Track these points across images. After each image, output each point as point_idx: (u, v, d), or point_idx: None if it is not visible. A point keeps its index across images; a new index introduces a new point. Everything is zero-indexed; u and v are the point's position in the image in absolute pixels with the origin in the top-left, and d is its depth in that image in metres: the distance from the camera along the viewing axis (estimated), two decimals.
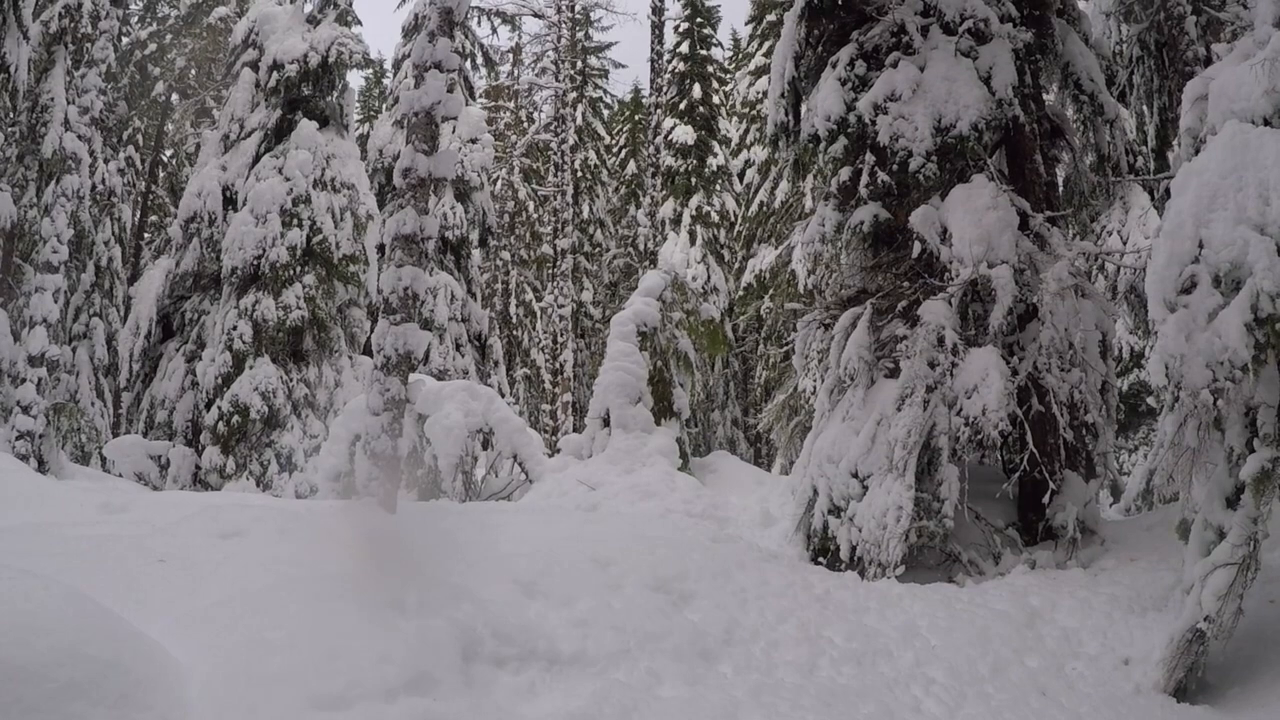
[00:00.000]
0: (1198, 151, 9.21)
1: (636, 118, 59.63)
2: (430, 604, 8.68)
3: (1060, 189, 15.69)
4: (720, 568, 11.60)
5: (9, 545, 9.10)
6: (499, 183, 50.94)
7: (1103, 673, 9.78)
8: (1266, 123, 8.58)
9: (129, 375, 30.99)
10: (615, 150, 61.55)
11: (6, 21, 24.11)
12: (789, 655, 9.69)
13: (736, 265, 46.40)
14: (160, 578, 9.12)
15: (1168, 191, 9.82)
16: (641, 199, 47.12)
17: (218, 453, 26.65)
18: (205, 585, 8.88)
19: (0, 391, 25.71)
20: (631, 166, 58.22)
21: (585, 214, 54.07)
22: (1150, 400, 25.74)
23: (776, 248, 40.44)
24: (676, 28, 49.70)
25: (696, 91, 49.01)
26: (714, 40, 51.83)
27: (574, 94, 47.83)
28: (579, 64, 53.10)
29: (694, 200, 46.95)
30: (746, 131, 49.22)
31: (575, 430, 35.56)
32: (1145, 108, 19.20)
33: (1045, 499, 13.47)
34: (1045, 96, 15.92)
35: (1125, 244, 24.61)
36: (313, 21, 30.53)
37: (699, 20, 50.25)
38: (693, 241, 45.83)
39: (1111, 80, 17.46)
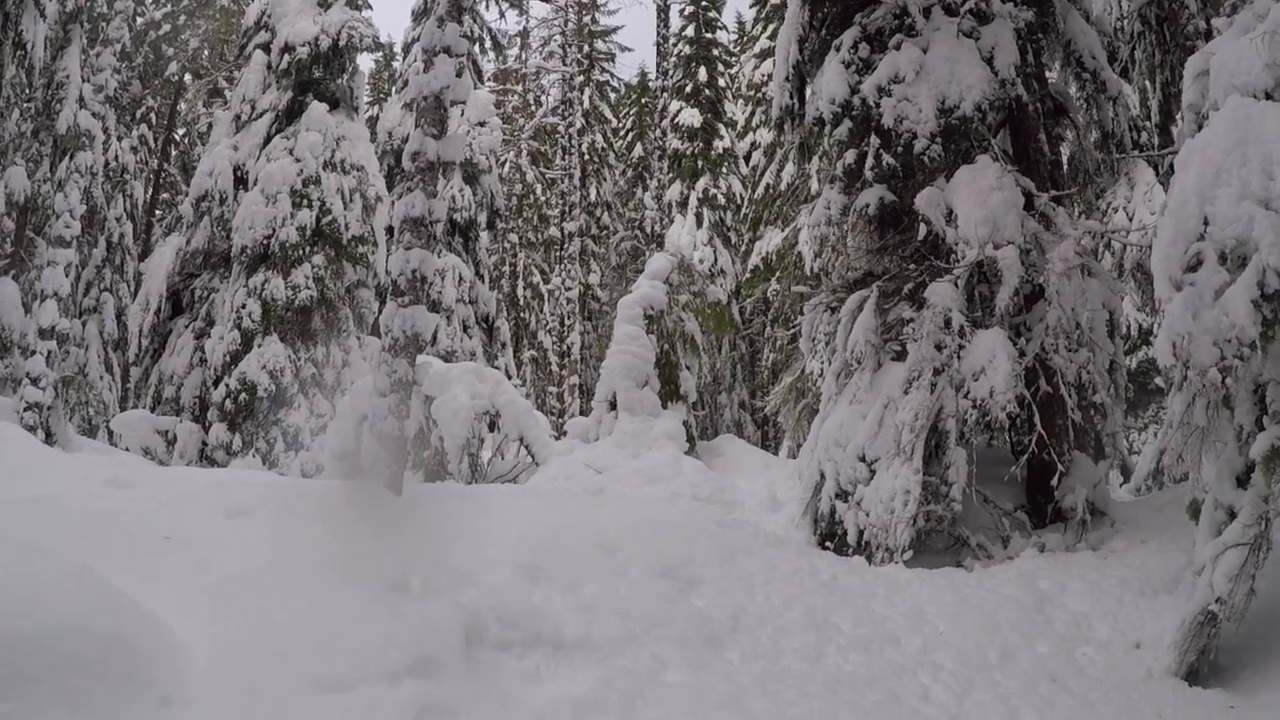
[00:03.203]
0: (1200, 128, 9.15)
1: (643, 101, 59.51)
2: (435, 587, 8.68)
3: (1065, 167, 15.65)
4: (727, 553, 11.59)
5: (15, 518, 9.08)
6: (507, 165, 50.94)
7: (1113, 657, 9.73)
8: (1269, 96, 8.52)
9: (138, 350, 30.98)
10: (622, 133, 61.44)
11: None
12: (796, 642, 9.67)
13: (743, 247, 46.26)
14: (165, 554, 9.11)
15: (1172, 167, 9.78)
16: (648, 182, 47.16)
17: (224, 429, 26.67)
18: (210, 563, 8.86)
19: (10, 363, 25.86)
20: (638, 149, 58.17)
21: (592, 197, 53.94)
22: (1159, 381, 25.67)
23: (783, 230, 40.35)
24: (682, 11, 49.63)
25: (702, 74, 48.83)
26: (719, 23, 51.58)
27: (581, 77, 47.85)
28: (586, 48, 53.10)
29: (700, 183, 46.79)
30: (752, 114, 49.07)
31: (582, 413, 35.57)
32: (1148, 83, 19.14)
33: (1054, 481, 13.44)
34: (1048, 75, 15.86)
35: (1131, 220, 24.51)
36: (324, 5, 30.51)
37: (704, 3, 50.02)
38: (699, 224, 45.67)
39: (1113, 56, 17.43)
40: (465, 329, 34.83)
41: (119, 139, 38.37)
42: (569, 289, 41.66)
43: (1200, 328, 8.32)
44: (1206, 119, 9.05)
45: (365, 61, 72.42)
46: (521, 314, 53.36)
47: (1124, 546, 12.83)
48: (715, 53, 50.79)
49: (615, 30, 61.88)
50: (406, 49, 39.64)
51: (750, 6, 51.97)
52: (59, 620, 6.30)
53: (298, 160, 28.03)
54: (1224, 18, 10.55)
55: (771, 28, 45.51)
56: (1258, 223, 8.02)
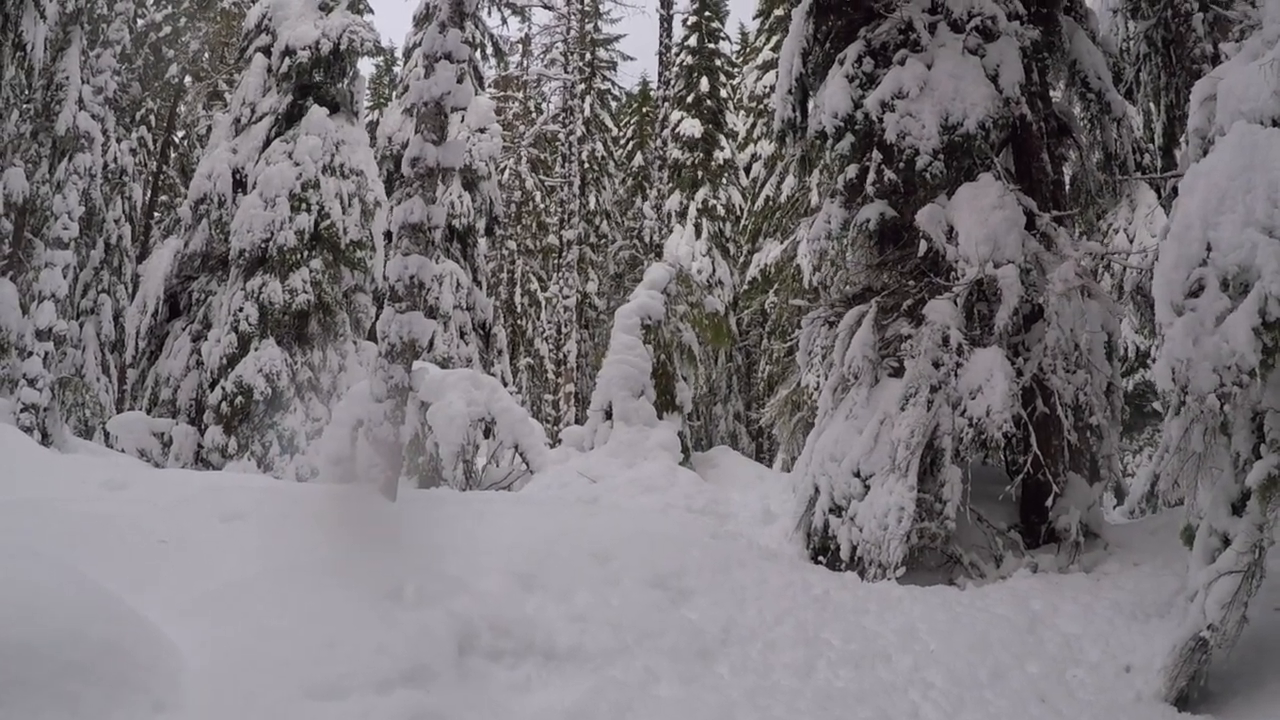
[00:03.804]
0: (1206, 152, 9.12)
1: (644, 110, 59.55)
2: (428, 595, 8.67)
3: (1067, 187, 15.69)
4: (720, 565, 11.58)
5: (11, 521, 9.06)
6: (506, 172, 50.95)
7: (1104, 680, 9.72)
8: (1275, 123, 8.49)
9: (135, 352, 30.94)
10: (622, 142, 61.47)
11: (24, 0, 24.12)
12: (786, 657, 9.65)
13: (741, 259, 46.28)
14: (160, 559, 9.09)
15: (1175, 190, 9.76)
16: (648, 191, 47.08)
17: (220, 432, 26.64)
18: (205, 568, 8.84)
19: (7, 364, 25.81)
20: (638, 159, 58.20)
21: (591, 205, 53.94)
22: (1156, 405, 25.67)
23: (782, 242, 40.33)
24: (685, 21, 49.64)
25: (704, 85, 48.83)
26: (722, 34, 51.56)
27: (582, 85, 47.77)
28: (588, 56, 53.01)
29: (700, 193, 46.78)
30: (753, 126, 49.06)
31: (577, 421, 35.60)
32: (1152, 105, 19.14)
33: (1048, 501, 13.46)
34: (1052, 94, 15.90)
35: (1132, 242, 24.57)
36: (325, 9, 30.49)
37: (707, 14, 50.04)
38: (698, 234, 45.66)
39: (1118, 77, 17.41)
40: (462, 335, 34.85)
41: (118, 141, 38.34)
42: (566, 297, 41.66)
43: (1200, 353, 8.30)
44: (1212, 144, 9.03)
45: (366, 66, 72.21)
46: (518, 321, 53.38)
47: (1117, 569, 12.84)
48: (717, 63, 50.81)
49: (617, 39, 62.18)
50: (407, 54, 39.70)
51: (753, 18, 52.15)
52: (56, 627, 6.30)
53: (297, 164, 28.01)
54: (1232, 43, 10.54)
55: (774, 40, 45.60)
56: (1261, 250, 8.00)
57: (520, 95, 56.20)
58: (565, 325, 41.86)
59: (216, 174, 29.48)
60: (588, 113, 52.84)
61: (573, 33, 44.76)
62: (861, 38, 15.06)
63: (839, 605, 11.24)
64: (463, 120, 36.20)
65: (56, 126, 28.87)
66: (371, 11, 33.17)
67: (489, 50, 41.37)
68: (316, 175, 28.10)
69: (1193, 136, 9.82)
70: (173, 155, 46.91)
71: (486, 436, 21.98)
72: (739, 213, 47.34)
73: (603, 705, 7.94)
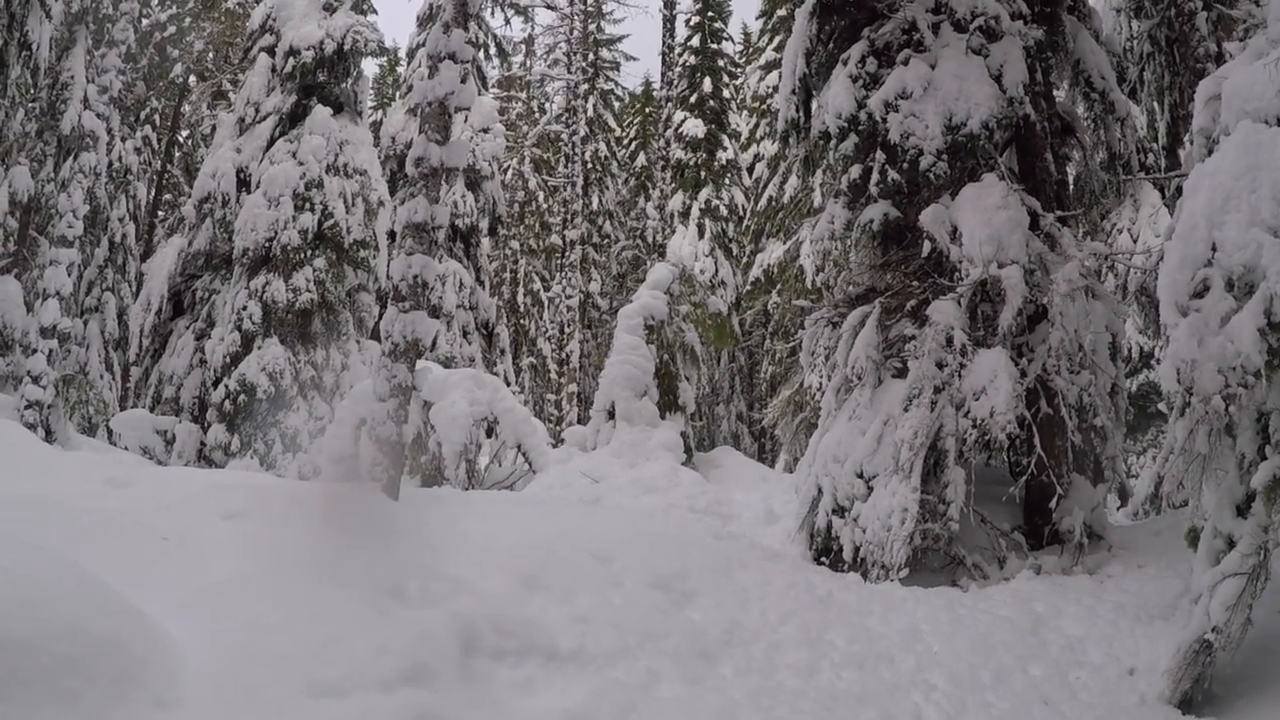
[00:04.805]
0: (1210, 152, 9.10)
1: (647, 110, 59.60)
2: (430, 594, 8.66)
3: (1071, 187, 15.63)
4: (722, 566, 11.58)
5: (14, 515, 9.06)
6: (510, 172, 50.83)
7: (1107, 682, 9.69)
8: None
9: (138, 350, 31.00)
10: (626, 142, 61.44)
11: (30, 0, 24.18)
12: (790, 658, 9.63)
13: (744, 259, 46.26)
14: (162, 556, 9.11)
15: (1179, 189, 9.75)
16: (651, 191, 47.11)
17: (223, 430, 26.63)
18: (207, 565, 8.85)
19: (11, 361, 25.89)
20: (641, 159, 58.20)
21: (595, 205, 53.87)
22: (1160, 407, 25.63)
23: (785, 242, 40.29)
24: (688, 21, 49.63)
25: (707, 85, 48.84)
26: (725, 34, 51.62)
27: (585, 86, 47.72)
28: (591, 56, 52.94)
29: (703, 193, 46.81)
30: (756, 126, 49.01)
31: (580, 421, 35.57)
32: (1156, 104, 19.11)
33: (1052, 503, 13.41)
34: (1056, 94, 15.85)
35: (1136, 242, 24.51)
36: (329, 9, 30.47)
37: (710, 14, 50.09)
38: (701, 235, 45.68)
39: (1122, 77, 17.38)
40: (465, 335, 34.81)
41: (123, 140, 38.37)
42: (569, 297, 41.56)
43: (1205, 354, 8.27)
44: (1217, 144, 9.01)
45: (369, 66, 72.12)
46: (521, 321, 53.33)
47: (1120, 571, 12.80)
48: (720, 63, 50.84)
49: (621, 39, 62.16)
50: (411, 54, 39.61)
51: (756, 18, 52.15)
52: (57, 622, 6.30)
53: (301, 163, 27.99)
54: (1236, 42, 10.51)
55: (778, 40, 45.64)
56: (1266, 250, 7.97)
57: (523, 95, 56.15)
58: (568, 325, 41.77)
59: (220, 173, 29.48)
60: (591, 113, 52.82)
61: (576, 33, 44.64)
62: (865, 38, 15.02)
63: (842, 606, 11.22)
64: (466, 120, 36.10)
65: (61, 125, 28.96)
66: (375, 12, 33.16)
67: (492, 50, 41.29)
68: (320, 175, 28.08)
69: (1197, 136, 9.80)
70: (177, 154, 46.88)
71: (489, 436, 21.97)
72: (742, 213, 47.35)
73: (605, 706, 7.93)
